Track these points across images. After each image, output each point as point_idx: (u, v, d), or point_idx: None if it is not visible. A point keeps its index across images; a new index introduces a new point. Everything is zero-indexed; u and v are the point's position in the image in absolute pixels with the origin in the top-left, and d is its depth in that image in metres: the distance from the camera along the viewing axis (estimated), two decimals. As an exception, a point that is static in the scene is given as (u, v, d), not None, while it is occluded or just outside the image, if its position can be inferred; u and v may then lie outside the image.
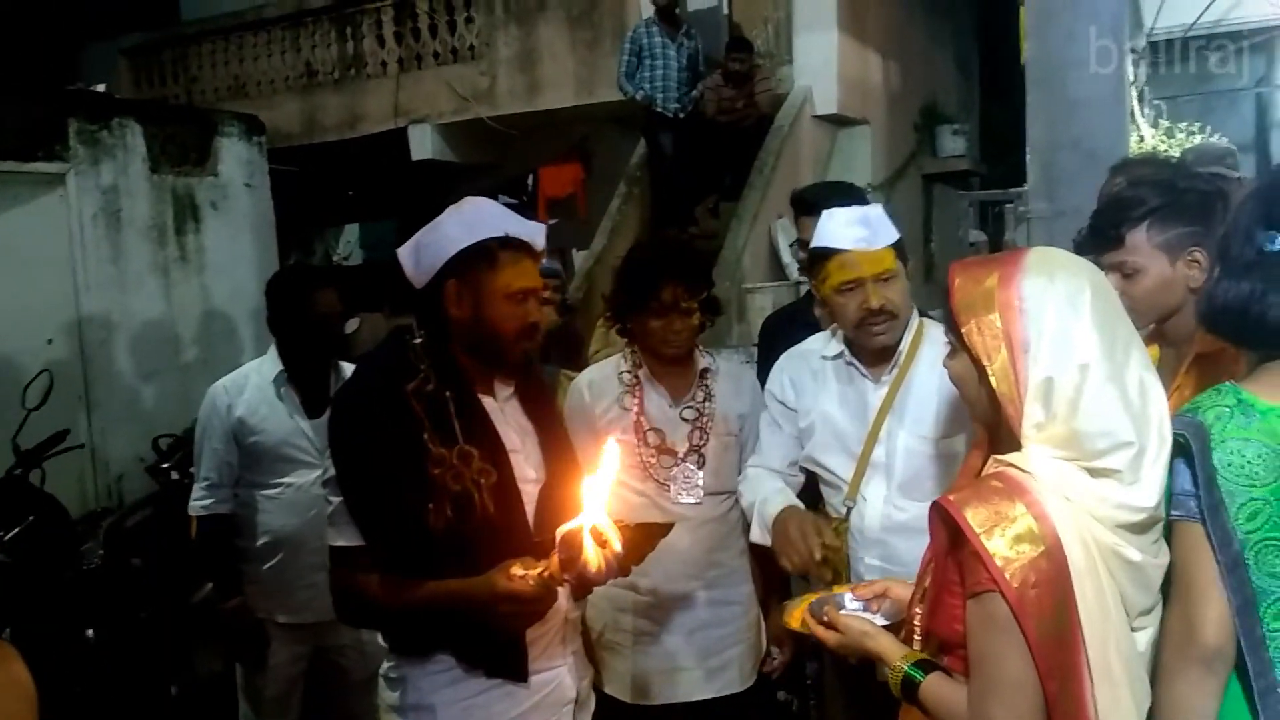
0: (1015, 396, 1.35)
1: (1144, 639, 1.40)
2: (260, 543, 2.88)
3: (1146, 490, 1.33)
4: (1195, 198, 1.96)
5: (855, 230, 2.13)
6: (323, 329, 2.87)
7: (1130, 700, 1.34)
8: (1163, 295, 1.95)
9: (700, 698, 2.46)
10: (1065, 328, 1.33)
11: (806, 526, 2.10)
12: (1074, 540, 1.30)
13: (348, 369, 2.96)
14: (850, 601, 1.78)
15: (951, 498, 1.37)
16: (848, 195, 2.83)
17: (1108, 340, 1.34)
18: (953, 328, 1.44)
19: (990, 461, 1.43)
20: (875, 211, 2.21)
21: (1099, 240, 2.00)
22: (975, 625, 1.35)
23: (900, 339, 2.22)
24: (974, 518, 1.31)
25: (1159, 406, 1.37)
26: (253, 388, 2.89)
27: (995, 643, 1.32)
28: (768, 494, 2.27)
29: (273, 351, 2.94)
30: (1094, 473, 1.33)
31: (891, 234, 2.16)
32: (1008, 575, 1.28)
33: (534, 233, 1.92)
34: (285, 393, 2.88)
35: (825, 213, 2.21)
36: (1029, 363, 1.34)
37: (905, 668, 1.47)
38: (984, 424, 1.49)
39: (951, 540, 1.38)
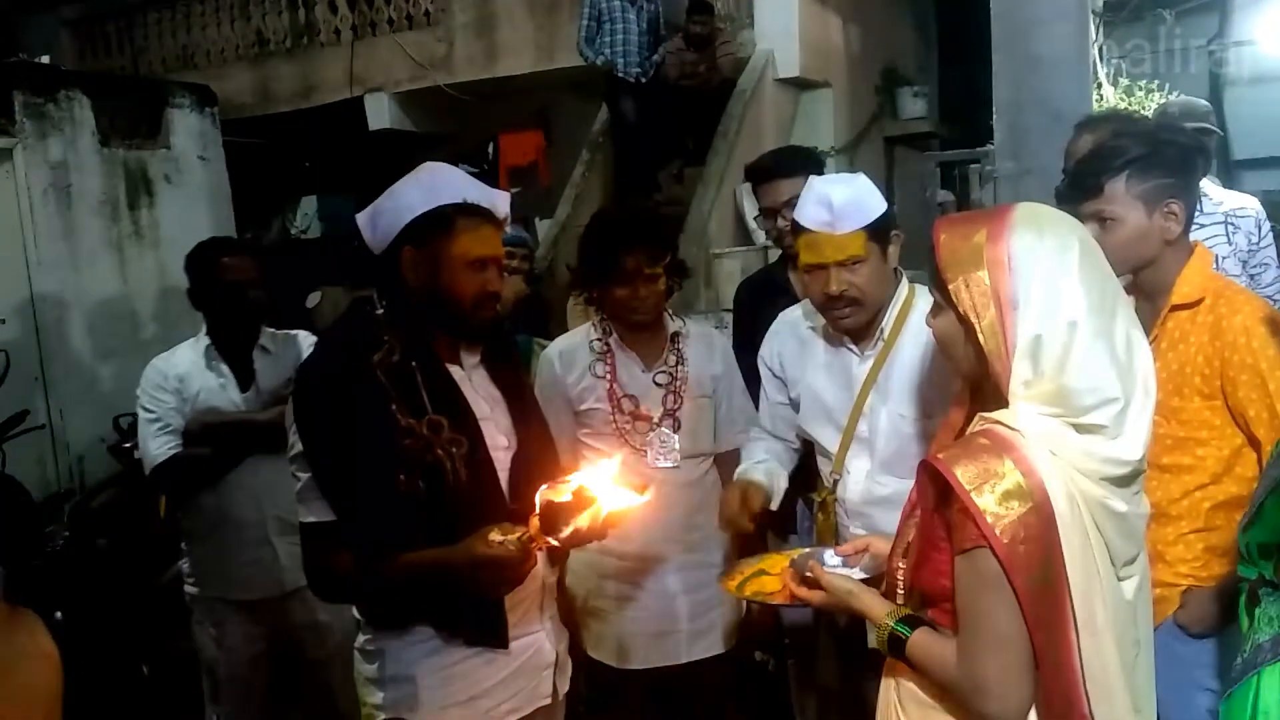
0: (1003, 354, 1.35)
1: (1130, 587, 1.42)
2: (203, 520, 2.84)
3: (1131, 443, 1.35)
4: (1175, 151, 1.98)
5: (820, 213, 2.05)
6: (234, 296, 2.80)
7: (1113, 649, 1.36)
8: (1139, 245, 1.98)
9: (686, 660, 2.48)
10: (1054, 285, 1.33)
11: (733, 494, 2.24)
12: (1060, 495, 1.31)
13: (268, 339, 2.91)
14: (830, 557, 1.80)
15: (940, 456, 1.37)
16: (802, 159, 2.82)
17: (1095, 296, 1.34)
18: (938, 285, 1.43)
19: (976, 419, 1.43)
20: (845, 194, 2.06)
21: (1079, 189, 2.01)
22: (965, 581, 1.36)
23: (877, 318, 2.17)
24: (963, 475, 1.32)
25: (1144, 361, 1.38)
26: (188, 364, 2.84)
27: (985, 598, 1.33)
28: (744, 468, 2.34)
29: (203, 330, 2.90)
30: (1080, 428, 1.34)
31: (862, 217, 2.06)
32: (998, 531, 1.29)
33: (495, 200, 1.89)
34: (216, 366, 2.84)
35: (810, 179, 2.16)
36: (1018, 320, 1.34)
37: (892, 624, 1.48)
38: (968, 381, 1.50)
39: (940, 497, 1.39)
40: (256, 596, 2.84)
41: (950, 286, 1.39)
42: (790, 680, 3.21)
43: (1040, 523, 1.30)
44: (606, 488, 1.70)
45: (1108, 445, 1.33)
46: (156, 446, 2.77)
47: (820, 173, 2.69)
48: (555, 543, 1.68)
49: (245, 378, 2.85)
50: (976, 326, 1.36)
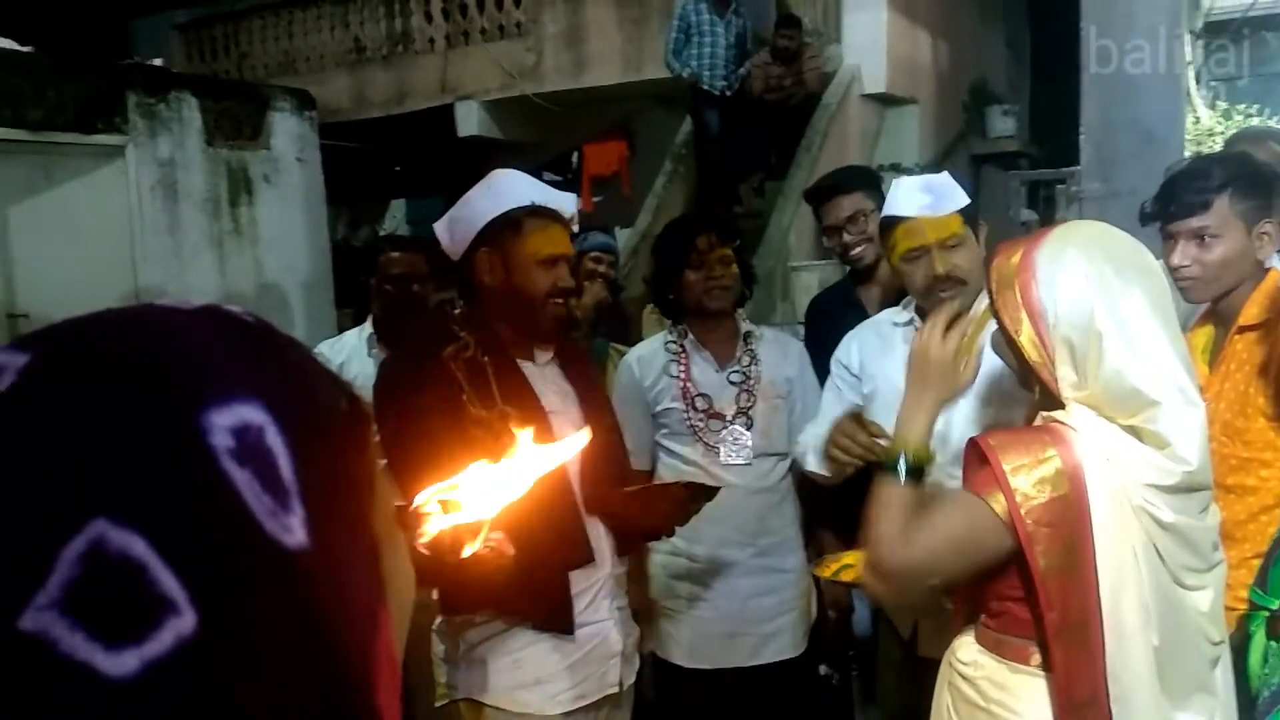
0: (1046, 362, 1.40)
1: (1204, 599, 1.41)
2: None
3: (1179, 452, 1.34)
4: (1270, 173, 2.03)
5: (920, 197, 2.10)
6: (386, 289, 2.98)
7: (1144, 657, 1.35)
8: (1237, 264, 1.98)
9: (755, 663, 2.51)
10: (1076, 293, 1.37)
11: (852, 424, 2.09)
12: (1102, 493, 1.33)
13: None
14: None
15: (991, 440, 1.41)
16: (860, 176, 2.86)
17: (1124, 303, 1.36)
18: (992, 302, 1.50)
19: (1038, 416, 1.47)
20: (941, 178, 2.18)
21: (1182, 206, 2.00)
22: (963, 498, 1.42)
23: (971, 306, 2.16)
24: (1005, 458, 1.37)
25: (1180, 368, 1.37)
26: (349, 350, 3.01)
27: (971, 522, 1.39)
28: (822, 429, 2.25)
29: (370, 319, 3.09)
30: (1133, 431, 1.35)
31: (958, 200, 2.12)
32: (1024, 512, 1.34)
33: (562, 201, 1.99)
34: (376, 355, 2.97)
35: (894, 181, 2.22)
36: (1048, 329, 1.39)
37: (901, 457, 1.50)
38: (1026, 389, 1.54)
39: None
40: None
41: (996, 303, 1.46)
42: (854, 695, 3.22)
43: (1069, 512, 1.33)
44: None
45: (1156, 452, 1.34)
46: None
47: (878, 189, 2.72)
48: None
49: None
50: (1017, 340, 1.42)
